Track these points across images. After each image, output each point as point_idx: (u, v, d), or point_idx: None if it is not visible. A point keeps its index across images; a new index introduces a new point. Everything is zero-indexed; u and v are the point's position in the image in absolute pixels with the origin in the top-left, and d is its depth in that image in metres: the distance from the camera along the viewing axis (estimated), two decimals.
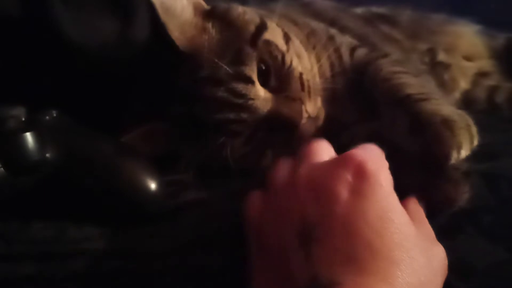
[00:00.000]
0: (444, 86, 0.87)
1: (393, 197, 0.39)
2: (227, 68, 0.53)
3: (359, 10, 0.95)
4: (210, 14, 0.60)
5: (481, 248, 0.48)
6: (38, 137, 0.49)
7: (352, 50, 0.69)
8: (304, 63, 0.60)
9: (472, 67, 0.94)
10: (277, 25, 0.62)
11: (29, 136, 0.49)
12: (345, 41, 0.70)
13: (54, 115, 0.54)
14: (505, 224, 0.51)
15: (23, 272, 0.44)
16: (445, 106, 0.51)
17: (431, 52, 0.90)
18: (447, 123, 0.47)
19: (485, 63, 0.96)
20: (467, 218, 0.50)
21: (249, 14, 0.61)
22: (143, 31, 0.71)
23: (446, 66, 0.90)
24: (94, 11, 0.70)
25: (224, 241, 0.48)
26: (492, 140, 0.65)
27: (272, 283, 0.39)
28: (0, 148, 0.48)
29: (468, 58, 0.94)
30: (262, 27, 0.59)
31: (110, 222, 0.49)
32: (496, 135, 0.67)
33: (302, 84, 0.57)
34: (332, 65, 0.65)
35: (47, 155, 0.50)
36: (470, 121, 0.49)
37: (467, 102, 0.88)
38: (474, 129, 0.49)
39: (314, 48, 0.64)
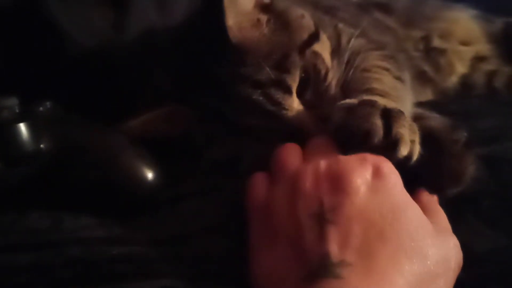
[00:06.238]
0: (440, 70, 0.88)
1: (405, 194, 0.42)
2: (270, 72, 0.52)
3: None
4: (267, 9, 0.58)
5: (481, 234, 0.48)
6: (32, 128, 0.49)
7: (350, 39, 0.68)
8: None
9: (468, 51, 0.93)
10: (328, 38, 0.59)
11: (23, 127, 0.48)
12: (346, 30, 0.69)
13: (48, 106, 0.54)
14: (505, 208, 0.50)
15: (20, 262, 0.44)
16: (393, 104, 0.50)
17: (426, 39, 0.90)
18: (383, 110, 0.46)
19: (483, 48, 0.95)
20: (467, 203, 0.50)
21: (306, 19, 0.59)
22: (137, 22, 0.71)
23: (441, 51, 0.89)
24: (87, 1, 0.69)
25: (224, 229, 0.48)
26: (491, 124, 0.65)
27: (280, 260, 0.40)
28: None
29: (464, 43, 0.94)
30: (314, 37, 0.57)
31: (107, 212, 0.49)
32: (496, 119, 0.67)
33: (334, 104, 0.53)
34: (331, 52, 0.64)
35: (42, 146, 0.50)
36: (410, 122, 0.47)
37: (466, 87, 0.88)
38: (410, 124, 0.46)
39: None
